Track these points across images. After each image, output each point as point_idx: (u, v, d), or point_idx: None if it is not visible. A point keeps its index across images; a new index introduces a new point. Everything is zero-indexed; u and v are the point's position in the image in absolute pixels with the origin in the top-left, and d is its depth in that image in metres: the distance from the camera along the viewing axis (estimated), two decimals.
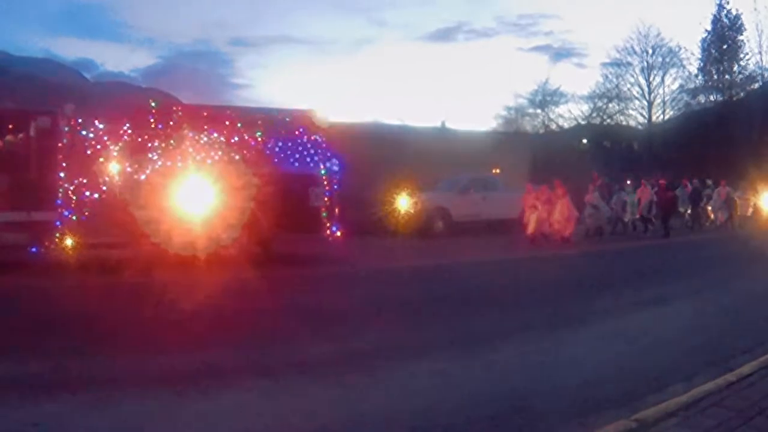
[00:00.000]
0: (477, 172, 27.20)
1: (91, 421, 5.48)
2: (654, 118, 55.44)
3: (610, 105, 55.05)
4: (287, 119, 16.27)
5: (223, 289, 11.83)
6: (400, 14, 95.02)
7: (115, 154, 14.07)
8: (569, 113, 55.66)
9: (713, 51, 53.67)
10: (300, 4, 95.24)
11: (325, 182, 15.98)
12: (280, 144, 15.65)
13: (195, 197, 14.06)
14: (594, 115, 55.18)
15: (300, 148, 15.84)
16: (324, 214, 15.83)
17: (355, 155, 29.32)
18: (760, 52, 52.50)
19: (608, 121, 55.31)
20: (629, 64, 54.68)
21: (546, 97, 55.21)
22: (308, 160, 15.90)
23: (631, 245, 23.37)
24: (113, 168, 14.02)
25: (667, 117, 55.62)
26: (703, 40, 53.98)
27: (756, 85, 53.52)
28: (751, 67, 53.49)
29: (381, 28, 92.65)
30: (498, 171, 31.01)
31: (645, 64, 54.36)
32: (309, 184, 15.73)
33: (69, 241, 13.42)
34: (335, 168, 16.26)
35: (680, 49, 53.88)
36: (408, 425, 5.44)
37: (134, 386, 6.21)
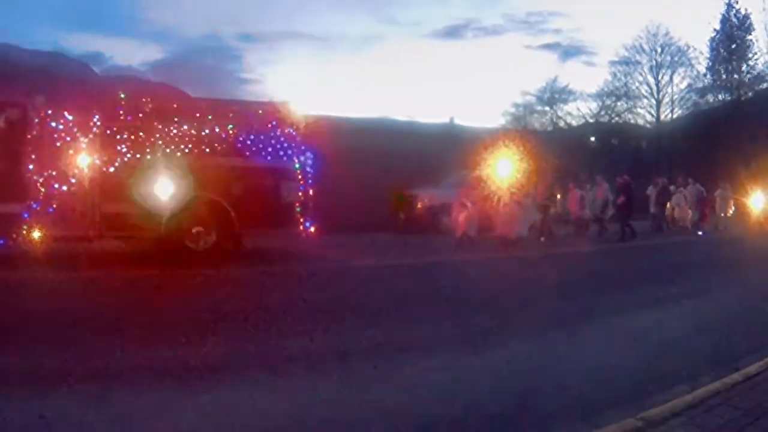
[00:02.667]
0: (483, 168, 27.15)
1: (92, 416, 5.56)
2: (662, 116, 55.38)
3: (619, 103, 54.96)
4: (260, 112, 15.88)
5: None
6: (410, 11, 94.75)
7: (84, 146, 13.84)
8: (578, 111, 55.62)
9: (722, 50, 53.54)
10: (309, 0, 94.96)
11: (299, 177, 15.64)
12: (252, 137, 15.27)
13: (164, 190, 13.81)
14: (602, 113, 55.10)
15: (273, 142, 15.46)
16: (297, 210, 15.51)
17: (359, 151, 29.63)
18: None
19: (616, 119, 55.20)
20: (638, 62, 54.61)
21: (554, 95, 55.18)
22: (281, 153, 15.51)
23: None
24: (82, 160, 13.77)
25: (675, 116, 55.54)
26: (712, 40, 53.92)
27: (764, 85, 53.45)
28: (759, 66, 53.48)
29: (390, 25, 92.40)
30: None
31: (654, 62, 54.30)
32: (282, 178, 15.40)
33: (36, 234, 13.30)
34: (310, 162, 15.93)
35: (689, 48, 53.84)
36: None
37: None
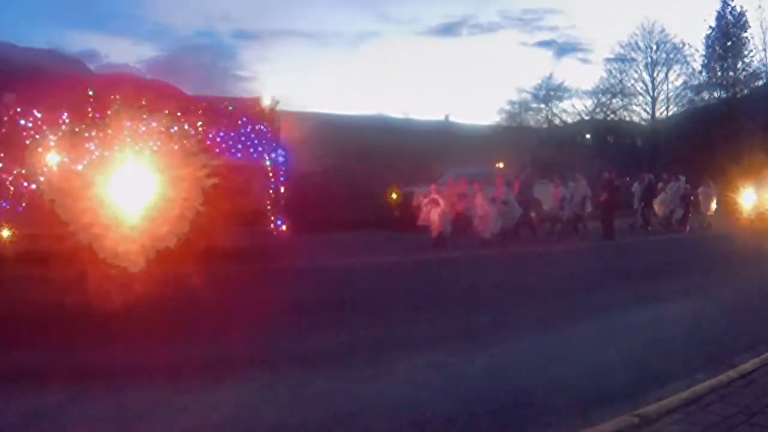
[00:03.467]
0: (479, 166, 27.10)
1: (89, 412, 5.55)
2: (657, 114, 55.33)
3: (614, 100, 54.88)
4: (230, 108, 15.68)
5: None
6: (405, 8, 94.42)
7: (53, 144, 13.70)
8: (573, 108, 55.53)
9: (717, 48, 53.48)
10: None
11: (271, 174, 15.48)
12: (222, 134, 15.12)
13: (133, 188, 13.50)
14: (597, 110, 55.01)
15: (243, 138, 15.30)
16: (268, 207, 15.35)
17: (354, 148, 29.63)
18: (764, 50, 52.45)
19: (612, 116, 55.14)
20: (633, 59, 54.57)
21: (550, 92, 55.03)
22: (252, 150, 15.35)
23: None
24: (52, 158, 13.64)
25: (670, 113, 55.48)
26: (708, 37, 53.83)
27: (760, 83, 53.44)
28: (755, 64, 53.37)
29: (385, 22, 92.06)
30: (502, 165, 30.92)
31: (649, 60, 54.27)
32: (253, 175, 15.25)
33: (5, 233, 13.20)
34: (281, 159, 15.71)
35: (684, 45, 53.75)
36: None
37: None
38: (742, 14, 52.81)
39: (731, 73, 53.47)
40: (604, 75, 55.58)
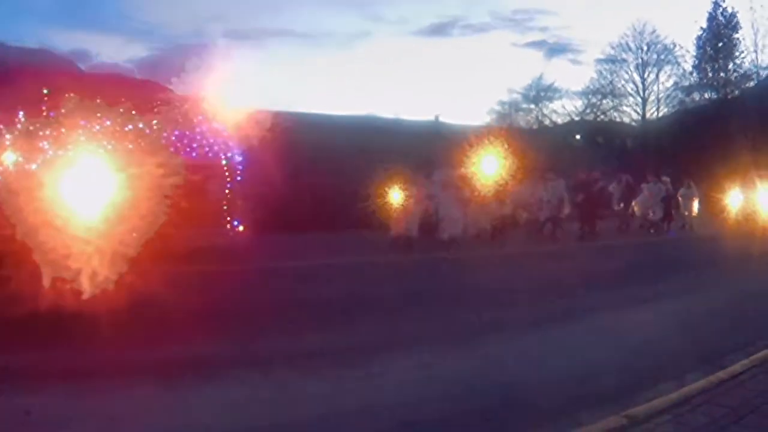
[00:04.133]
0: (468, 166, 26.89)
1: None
2: (648, 115, 55.27)
3: (604, 101, 54.87)
4: (186, 106, 14.84)
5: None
6: (396, 9, 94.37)
7: (7, 143, 13.25)
8: (563, 109, 55.54)
9: (708, 49, 53.51)
10: None
11: (227, 173, 15.19)
12: (177, 132, 14.56)
13: (84, 189, 13.36)
14: (588, 111, 55.03)
15: (199, 137, 14.85)
16: (225, 208, 15.05)
17: (341, 148, 29.48)
18: (755, 51, 52.34)
19: (602, 117, 55.15)
20: (624, 60, 54.45)
21: (540, 93, 54.99)
22: (208, 149, 14.96)
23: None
24: (6, 159, 13.15)
25: (661, 114, 55.42)
26: (699, 38, 53.78)
27: (751, 84, 53.35)
28: (746, 65, 53.23)
29: (376, 22, 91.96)
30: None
31: (640, 60, 54.17)
32: (209, 175, 14.83)
33: None
34: (238, 158, 15.35)
35: (675, 46, 53.69)
36: None
37: None
38: (733, 15, 52.88)
39: (722, 75, 53.53)
40: (595, 76, 55.60)
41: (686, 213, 28.06)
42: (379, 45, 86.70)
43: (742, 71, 53.48)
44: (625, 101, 55.26)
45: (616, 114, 55.87)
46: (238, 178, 15.37)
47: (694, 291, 12.63)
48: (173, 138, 14.50)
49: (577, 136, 53.30)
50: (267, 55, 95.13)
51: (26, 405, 5.62)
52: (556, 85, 55.06)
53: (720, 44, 53.10)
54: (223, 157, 15.13)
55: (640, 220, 27.56)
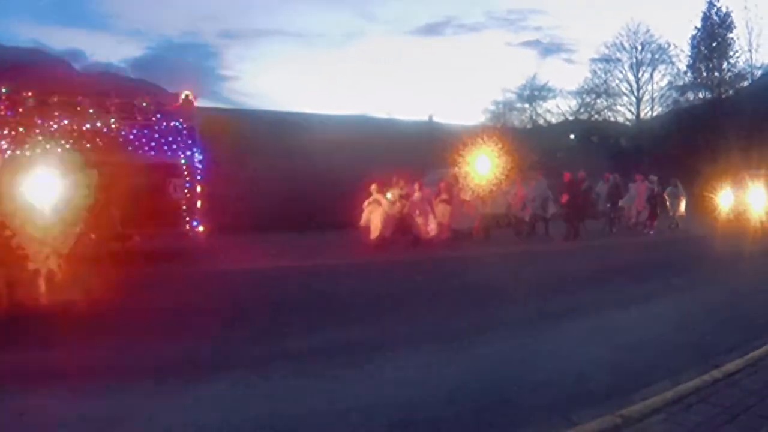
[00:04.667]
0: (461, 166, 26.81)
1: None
2: (642, 114, 55.54)
3: (599, 101, 55.06)
4: (144, 104, 15.07)
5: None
6: (389, 8, 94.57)
7: None
8: (557, 108, 55.65)
9: (703, 48, 53.63)
10: None
11: (186, 173, 14.94)
12: (135, 131, 14.59)
13: (42, 189, 13.04)
14: (582, 110, 55.19)
15: (158, 136, 14.76)
16: (184, 208, 14.81)
17: (336, 148, 29.38)
18: (749, 50, 52.64)
19: (596, 116, 55.31)
20: (618, 60, 54.72)
21: (534, 92, 55.15)
22: (166, 148, 14.81)
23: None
24: None
25: (655, 114, 55.68)
26: (693, 37, 53.94)
27: (745, 83, 53.60)
28: (740, 65, 53.58)
29: (370, 21, 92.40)
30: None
31: (634, 60, 54.42)
32: (167, 174, 14.71)
33: None
34: (198, 157, 15.14)
35: (669, 45, 54.00)
36: None
37: None
38: (727, 15, 53.00)
39: (716, 74, 53.64)
40: (589, 75, 55.85)
41: (673, 212, 28.05)
42: (373, 44, 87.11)
43: (736, 71, 53.75)
44: (619, 101, 55.59)
45: (610, 113, 56.21)
46: (198, 178, 15.11)
47: (686, 290, 12.51)
48: (131, 137, 14.33)
49: (572, 136, 53.37)
50: (260, 54, 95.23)
51: None
52: (550, 84, 55.37)
53: (714, 44, 53.19)
54: (181, 156, 14.87)
55: (626, 220, 27.60)
